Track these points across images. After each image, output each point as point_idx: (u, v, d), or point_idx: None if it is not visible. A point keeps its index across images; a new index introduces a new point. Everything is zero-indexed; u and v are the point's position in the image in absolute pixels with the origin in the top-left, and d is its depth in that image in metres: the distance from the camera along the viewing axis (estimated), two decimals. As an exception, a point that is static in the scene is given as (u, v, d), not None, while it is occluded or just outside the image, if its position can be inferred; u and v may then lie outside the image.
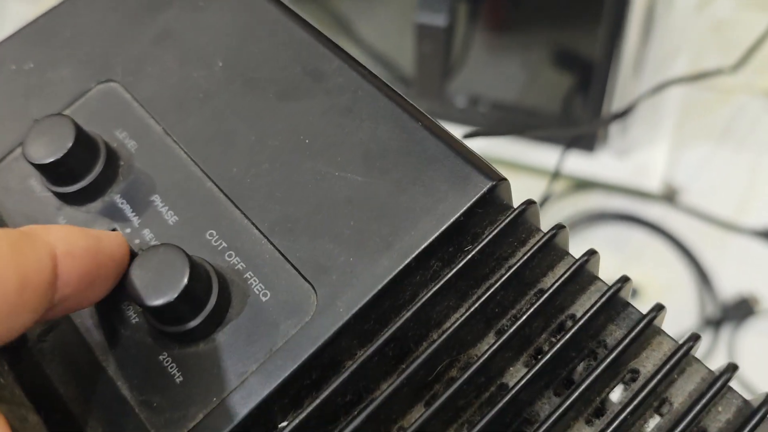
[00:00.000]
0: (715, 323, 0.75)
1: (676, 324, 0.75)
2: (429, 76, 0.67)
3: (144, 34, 0.25)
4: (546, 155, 0.84)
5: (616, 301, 0.20)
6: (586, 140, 0.84)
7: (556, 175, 0.77)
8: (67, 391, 0.20)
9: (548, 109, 0.82)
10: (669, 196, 0.82)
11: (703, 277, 0.77)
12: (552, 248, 0.20)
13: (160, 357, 0.20)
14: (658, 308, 0.19)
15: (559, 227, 0.20)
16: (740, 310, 0.74)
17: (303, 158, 0.22)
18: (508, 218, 0.20)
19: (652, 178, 0.81)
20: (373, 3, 0.84)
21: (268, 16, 0.25)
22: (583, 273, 0.20)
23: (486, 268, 0.20)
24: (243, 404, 0.18)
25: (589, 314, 0.19)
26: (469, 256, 0.20)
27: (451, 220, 0.20)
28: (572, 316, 0.20)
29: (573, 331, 0.19)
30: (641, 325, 0.19)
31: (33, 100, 0.25)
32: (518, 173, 0.84)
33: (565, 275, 0.19)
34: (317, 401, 0.18)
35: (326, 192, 0.21)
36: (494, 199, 0.20)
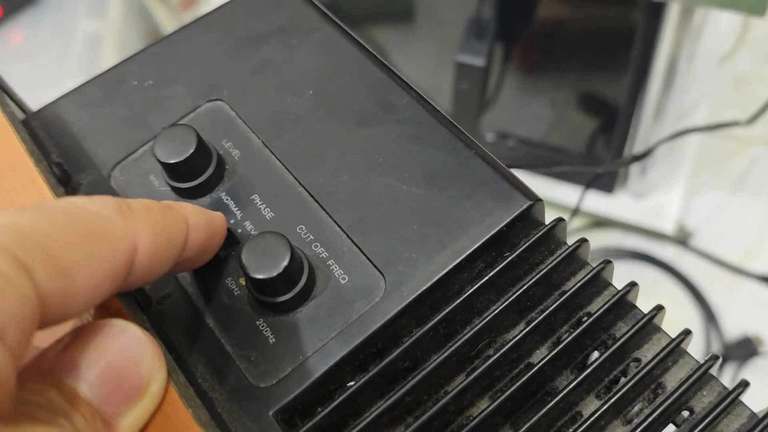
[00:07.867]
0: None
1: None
2: (463, 111, 0.72)
3: (246, 64, 0.30)
4: (567, 193, 0.89)
5: (624, 302, 0.25)
6: (606, 181, 0.89)
7: (575, 212, 0.82)
8: (180, 344, 0.25)
9: (572, 148, 0.87)
10: (682, 239, 0.86)
11: (710, 316, 0.81)
12: (575, 258, 0.25)
13: (257, 322, 0.25)
14: (658, 308, 0.24)
15: (582, 240, 0.25)
16: (744, 350, 0.78)
17: (376, 173, 0.27)
18: (542, 231, 0.25)
19: (667, 221, 0.86)
20: (413, 38, 0.90)
21: (351, 55, 0.30)
22: (599, 279, 0.25)
23: (521, 271, 0.25)
24: (322, 363, 0.23)
25: (601, 310, 0.24)
26: (509, 259, 0.25)
27: (495, 230, 0.25)
28: (588, 313, 0.25)
29: (588, 322, 0.24)
30: (642, 321, 0.24)
31: (151, 112, 0.30)
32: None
33: (585, 278, 0.24)
34: (382, 364, 0.23)
35: (394, 201, 0.26)
36: (531, 215, 0.25)
